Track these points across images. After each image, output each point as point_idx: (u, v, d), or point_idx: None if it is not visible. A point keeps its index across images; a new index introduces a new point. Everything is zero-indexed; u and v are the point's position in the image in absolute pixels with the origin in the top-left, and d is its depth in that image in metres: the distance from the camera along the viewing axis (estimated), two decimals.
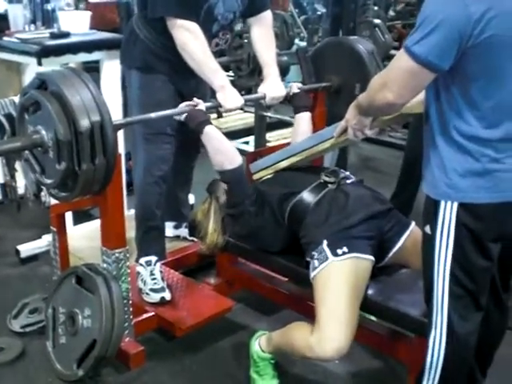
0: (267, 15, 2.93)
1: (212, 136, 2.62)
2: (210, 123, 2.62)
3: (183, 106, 2.65)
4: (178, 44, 2.64)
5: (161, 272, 2.91)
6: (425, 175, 1.92)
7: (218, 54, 2.93)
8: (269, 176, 2.73)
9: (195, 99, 2.65)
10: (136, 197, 3.01)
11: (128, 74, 2.92)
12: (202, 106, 2.64)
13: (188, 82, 2.85)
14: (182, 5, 2.59)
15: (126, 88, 3.06)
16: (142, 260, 2.92)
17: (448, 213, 1.83)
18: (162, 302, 2.80)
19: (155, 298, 2.81)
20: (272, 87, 2.89)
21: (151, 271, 2.88)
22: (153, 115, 2.53)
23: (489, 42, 1.68)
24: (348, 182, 2.53)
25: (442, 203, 1.84)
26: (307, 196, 2.47)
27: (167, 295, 2.82)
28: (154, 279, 2.85)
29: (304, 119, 2.96)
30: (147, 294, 2.83)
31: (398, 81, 1.79)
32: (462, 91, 1.77)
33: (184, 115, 2.63)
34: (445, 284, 1.88)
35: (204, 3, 2.66)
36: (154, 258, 2.92)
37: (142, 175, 2.90)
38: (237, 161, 2.62)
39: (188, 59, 2.65)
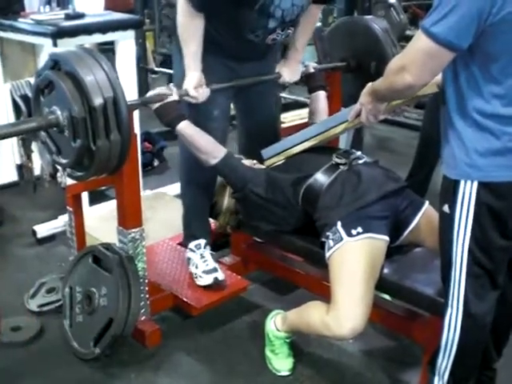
0: (319, 6, 2.74)
1: (187, 134, 2.49)
2: (184, 118, 2.48)
3: (152, 94, 2.48)
4: (177, 14, 2.49)
5: (211, 254, 2.87)
6: (444, 157, 1.90)
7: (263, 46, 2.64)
8: (280, 162, 2.66)
9: (171, 85, 2.50)
10: (180, 183, 2.93)
11: (176, 55, 2.69)
12: (175, 95, 2.46)
13: (244, 65, 2.67)
14: None
15: (141, 69, 3.03)
16: (192, 244, 2.88)
17: (468, 192, 1.81)
18: (217, 283, 2.76)
19: (208, 279, 2.76)
20: (290, 70, 2.83)
21: (201, 254, 2.84)
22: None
23: (508, 19, 1.65)
24: (360, 162, 2.51)
25: (462, 182, 1.82)
26: (320, 178, 2.45)
27: (220, 275, 2.77)
28: (205, 261, 2.82)
29: (320, 98, 2.94)
30: (200, 277, 2.79)
31: (416, 62, 1.76)
32: (482, 70, 1.75)
33: (154, 106, 2.46)
34: (463, 263, 1.88)
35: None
36: (202, 241, 2.88)
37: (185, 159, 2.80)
38: (220, 153, 2.52)
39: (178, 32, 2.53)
